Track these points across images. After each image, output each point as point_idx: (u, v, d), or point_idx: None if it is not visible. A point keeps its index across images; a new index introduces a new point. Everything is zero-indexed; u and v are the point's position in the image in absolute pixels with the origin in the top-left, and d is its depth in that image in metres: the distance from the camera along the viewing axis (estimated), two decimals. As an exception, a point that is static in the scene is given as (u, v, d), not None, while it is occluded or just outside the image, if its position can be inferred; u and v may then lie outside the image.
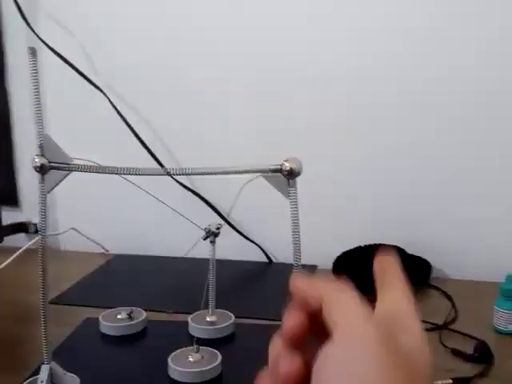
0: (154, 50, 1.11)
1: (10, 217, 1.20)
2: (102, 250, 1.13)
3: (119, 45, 1.12)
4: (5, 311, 0.89)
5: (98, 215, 1.18)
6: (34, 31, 1.10)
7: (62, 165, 0.55)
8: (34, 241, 1.03)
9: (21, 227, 1.22)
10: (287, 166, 0.53)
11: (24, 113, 1.20)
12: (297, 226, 0.54)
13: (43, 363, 0.61)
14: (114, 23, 1.12)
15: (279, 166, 0.53)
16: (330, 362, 0.30)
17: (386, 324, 0.34)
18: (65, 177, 0.55)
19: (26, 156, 1.22)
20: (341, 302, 0.33)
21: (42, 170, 0.55)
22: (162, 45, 1.11)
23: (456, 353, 0.72)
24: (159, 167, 1.03)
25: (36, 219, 1.24)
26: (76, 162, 0.56)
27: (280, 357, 0.32)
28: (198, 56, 1.09)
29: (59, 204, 1.22)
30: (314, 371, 0.31)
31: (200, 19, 1.08)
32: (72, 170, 0.55)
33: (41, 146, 0.54)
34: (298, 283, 0.36)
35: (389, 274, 0.38)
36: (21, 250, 1.01)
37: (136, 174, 0.55)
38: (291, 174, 0.53)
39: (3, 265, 0.98)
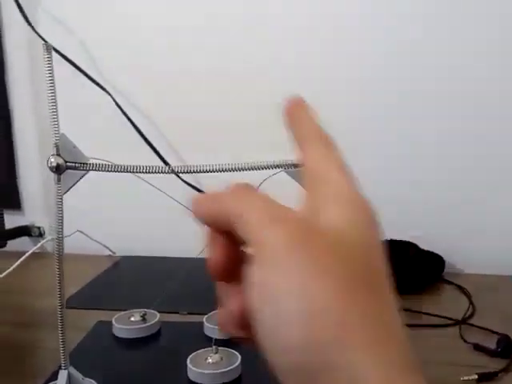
0: (156, 49, 1.10)
1: (12, 220, 1.18)
2: (109, 252, 1.11)
3: (122, 43, 1.11)
4: (11, 316, 0.87)
5: (102, 216, 1.16)
6: (33, 28, 1.08)
7: (78, 164, 0.53)
8: (40, 244, 1.02)
9: (24, 231, 1.20)
10: (311, 160, 0.51)
11: (25, 113, 1.18)
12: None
13: (61, 368, 0.59)
14: (116, 23, 1.11)
15: (303, 161, 0.51)
16: (252, 289, 0.27)
17: (309, 205, 0.29)
18: (82, 177, 0.54)
19: (27, 158, 1.21)
20: (245, 211, 0.28)
21: (58, 170, 0.53)
22: (164, 43, 1.09)
23: (478, 348, 0.71)
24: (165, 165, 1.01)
25: (39, 222, 1.22)
26: (92, 161, 0.54)
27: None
28: (202, 54, 1.08)
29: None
30: (246, 300, 0.27)
31: (204, 19, 1.07)
32: (89, 170, 0.53)
33: (56, 146, 0.53)
34: (200, 204, 0.31)
35: (305, 127, 0.33)
36: (28, 254, 0.99)
37: (156, 173, 0.53)
38: (315, 169, 0.51)
39: (10, 269, 0.96)
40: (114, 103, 1.07)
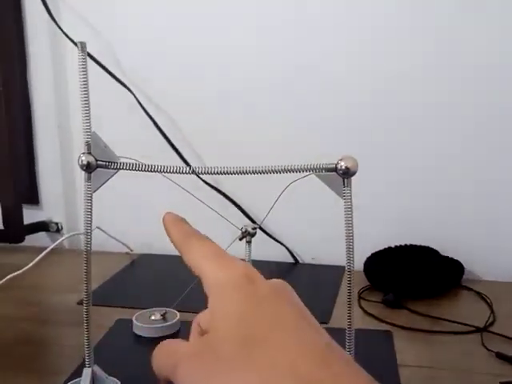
0: (180, 50, 1.10)
1: (30, 215, 1.19)
2: (127, 250, 1.12)
3: (145, 42, 1.11)
4: (29, 313, 0.87)
5: (121, 214, 1.16)
6: (56, 23, 1.09)
7: (109, 163, 0.53)
8: (61, 240, 1.02)
9: (42, 226, 1.21)
10: (343, 164, 0.51)
11: (45, 110, 1.19)
12: (350, 227, 0.53)
13: (85, 366, 0.59)
14: (141, 22, 1.11)
15: (334, 165, 0.51)
16: None
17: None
18: (112, 176, 0.54)
19: (47, 154, 1.21)
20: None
21: (88, 168, 0.53)
22: (188, 45, 1.09)
23: (500, 356, 0.71)
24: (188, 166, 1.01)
25: (57, 218, 1.23)
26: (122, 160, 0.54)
27: None
28: (225, 55, 1.08)
29: (79, 202, 1.21)
30: None
31: (231, 19, 1.07)
32: (120, 169, 0.53)
33: (88, 144, 0.53)
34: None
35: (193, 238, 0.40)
36: (48, 249, 0.99)
37: (187, 173, 0.53)
38: (347, 174, 0.51)
39: (30, 265, 0.96)
40: (136, 102, 1.08)
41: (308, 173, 0.53)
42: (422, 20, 0.99)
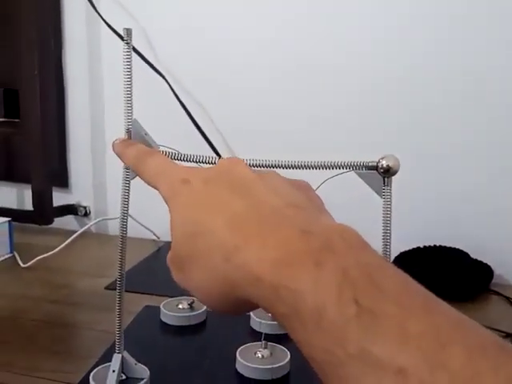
0: (215, 37, 1.09)
1: (59, 198, 1.20)
2: (153, 237, 1.12)
3: (180, 31, 1.11)
4: (57, 295, 0.88)
5: (149, 201, 1.16)
6: (94, 7, 1.09)
7: (149, 151, 0.53)
8: (90, 225, 1.03)
9: (71, 209, 1.22)
10: (384, 163, 0.50)
11: (78, 94, 1.19)
12: (388, 227, 0.52)
13: (115, 352, 0.60)
14: (177, 10, 1.11)
15: (375, 163, 0.51)
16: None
17: None
18: (151, 164, 0.53)
19: (78, 138, 1.22)
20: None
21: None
22: (223, 33, 1.09)
23: (530, 364, 0.70)
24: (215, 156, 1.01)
25: (85, 202, 1.24)
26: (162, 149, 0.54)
27: None
28: (264, 47, 1.08)
29: (108, 187, 1.21)
30: None
31: (268, 7, 1.06)
32: (159, 158, 0.53)
33: (128, 131, 0.53)
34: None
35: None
36: (78, 233, 1.00)
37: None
38: (388, 172, 0.50)
39: (58, 248, 0.97)
40: (170, 91, 1.08)
41: (347, 170, 0.53)
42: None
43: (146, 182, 0.41)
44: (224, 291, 0.32)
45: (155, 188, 0.40)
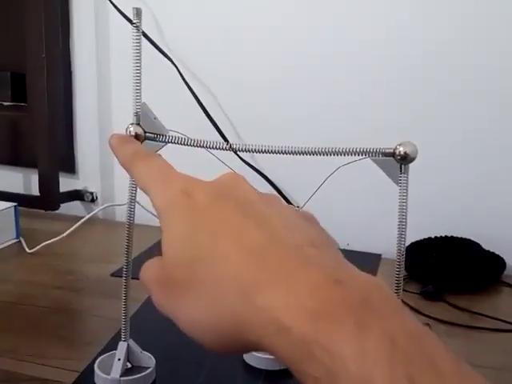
0: (226, 24, 1.07)
1: (66, 184, 1.19)
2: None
3: (191, 17, 1.09)
4: (63, 281, 0.87)
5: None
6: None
7: (158, 136, 0.51)
8: (97, 210, 1.02)
9: (77, 195, 1.21)
10: (401, 150, 0.49)
11: (85, 78, 1.18)
12: (404, 215, 0.50)
13: (120, 340, 0.58)
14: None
15: (392, 150, 0.49)
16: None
17: None
18: (160, 148, 0.52)
19: (85, 123, 1.20)
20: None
21: (136, 139, 0.52)
22: (235, 20, 1.07)
23: (546, 358, 0.68)
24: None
25: (92, 188, 1.22)
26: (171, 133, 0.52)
27: None
28: (275, 38, 1.06)
29: (116, 172, 1.20)
30: None
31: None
32: (168, 142, 0.52)
33: (137, 115, 0.51)
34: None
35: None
36: (84, 219, 0.99)
37: (238, 151, 0.51)
38: (405, 159, 0.49)
39: (64, 234, 0.96)
40: (179, 77, 1.06)
41: (363, 157, 0.51)
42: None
43: (138, 185, 0.37)
44: (227, 329, 0.28)
45: (147, 194, 0.35)
